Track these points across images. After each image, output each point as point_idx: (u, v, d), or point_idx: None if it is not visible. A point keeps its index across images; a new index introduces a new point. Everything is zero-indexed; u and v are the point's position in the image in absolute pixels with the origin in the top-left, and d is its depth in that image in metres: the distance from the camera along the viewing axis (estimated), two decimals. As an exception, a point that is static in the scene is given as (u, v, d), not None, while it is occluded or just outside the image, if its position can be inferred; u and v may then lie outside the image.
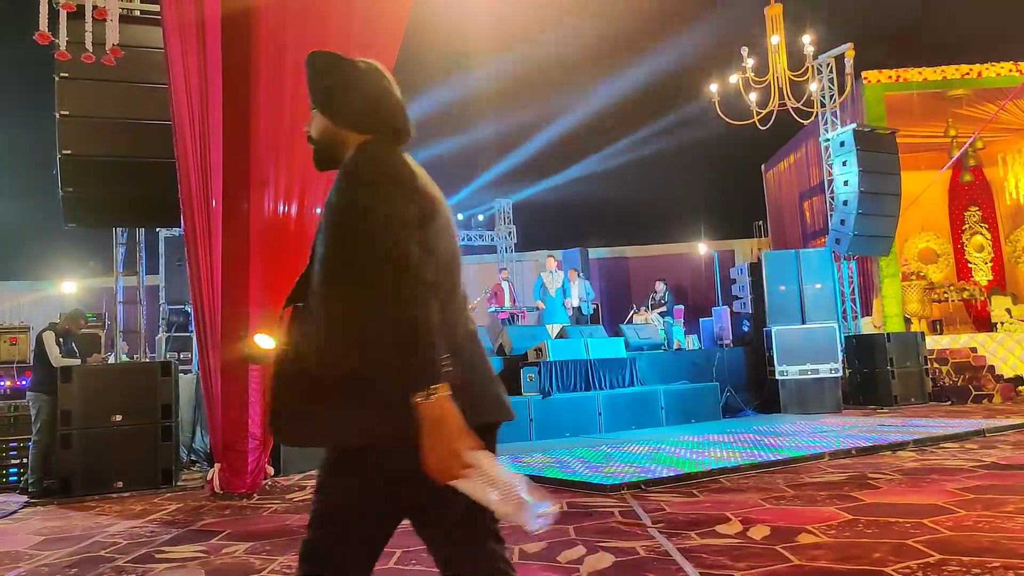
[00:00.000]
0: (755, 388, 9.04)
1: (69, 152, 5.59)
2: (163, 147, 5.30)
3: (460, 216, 15.26)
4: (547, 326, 9.32)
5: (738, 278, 9.84)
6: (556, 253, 12.27)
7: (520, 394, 7.43)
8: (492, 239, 15.79)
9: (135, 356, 6.73)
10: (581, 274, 11.29)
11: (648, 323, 10.34)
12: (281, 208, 4.83)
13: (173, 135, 4.84)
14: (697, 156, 14.68)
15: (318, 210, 4.94)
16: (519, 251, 16.02)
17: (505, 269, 13.23)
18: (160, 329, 8.53)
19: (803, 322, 8.72)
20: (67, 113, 5.58)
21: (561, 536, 3.27)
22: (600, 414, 7.38)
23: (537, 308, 10.61)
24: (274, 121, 4.78)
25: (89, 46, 5.23)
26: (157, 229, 8.94)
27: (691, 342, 11.35)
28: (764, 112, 9.89)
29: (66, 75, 5.55)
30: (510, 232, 15.83)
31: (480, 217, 15.68)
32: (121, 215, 5.91)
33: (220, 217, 4.72)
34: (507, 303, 11.73)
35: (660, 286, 11.03)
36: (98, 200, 5.70)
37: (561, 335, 8.77)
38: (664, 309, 10.75)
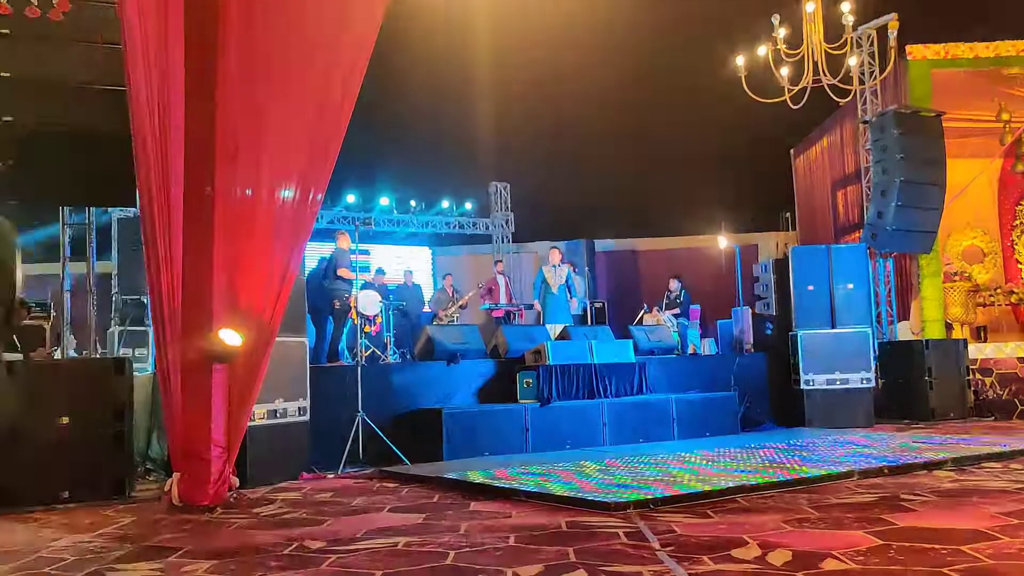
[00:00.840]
0: (778, 399, 9.09)
1: (10, 119, 5.54)
2: (118, 116, 5.26)
3: (446, 203, 15.24)
4: (548, 326, 9.35)
5: (761, 276, 9.88)
6: (560, 245, 12.28)
7: (516, 400, 7.45)
8: (487, 227, 15.81)
9: (84, 352, 6.72)
10: (576, 268, 11.33)
11: (660, 324, 10.38)
12: (249, 191, 4.83)
13: (128, 102, 4.83)
14: (719, 138, 14.72)
15: (286, 193, 4.94)
16: (517, 242, 16.04)
17: (501, 262, 13.27)
18: (113, 322, 8.53)
19: (833, 326, 8.76)
20: (7, 75, 5.53)
21: (560, 559, 3.30)
22: (605, 425, 7.41)
23: (535, 309, 10.63)
24: (243, 88, 4.76)
25: None
26: (110, 209, 8.93)
27: (707, 346, 11.39)
28: (796, 89, 9.90)
29: (6, 31, 5.50)
30: (507, 220, 15.84)
31: (469, 205, 15.67)
32: (69, 192, 5.88)
33: (181, 195, 4.72)
34: (503, 300, 11.75)
35: (674, 284, 11.07)
36: (43, 174, 5.68)
37: (563, 336, 8.80)
38: (678, 309, 10.80)
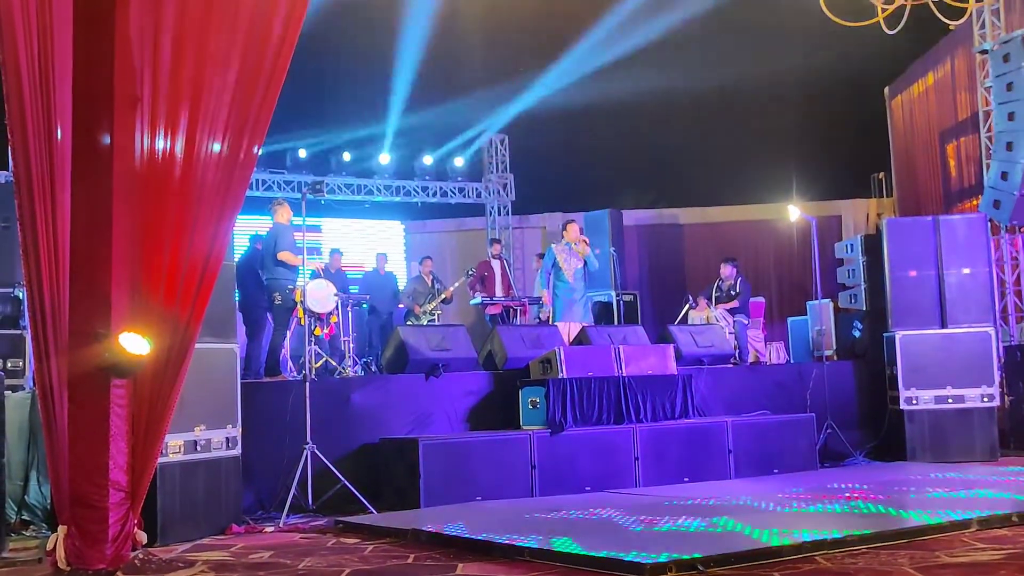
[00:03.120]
0: (869, 423, 9.08)
1: None
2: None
3: (429, 159, 15.20)
4: (560, 326, 9.33)
5: (846, 258, 9.85)
6: (576, 217, 12.27)
7: (518, 427, 7.43)
8: (478, 194, 15.78)
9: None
10: (599, 250, 11.28)
11: (711, 323, 10.36)
12: (161, 142, 4.79)
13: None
14: (789, 75, 14.64)
15: (210, 146, 4.90)
16: (519, 213, 16.01)
17: (498, 241, 13.28)
18: (-25, 323, 8.49)
19: (943, 325, 8.75)
20: None
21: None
22: (637, 459, 7.40)
23: (542, 302, 10.60)
24: (150, 8, 4.72)
25: None
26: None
27: (774, 353, 11.39)
28: (892, 7, 9.83)
29: None
30: (505, 184, 15.82)
31: (459, 161, 15.60)
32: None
33: (68, 154, 4.68)
34: (499, 291, 11.74)
35: (729, 269, 11.04)
36: None
37: (580, 340, 8.77)
38: (736, 303, 10.77)
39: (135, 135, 4.74)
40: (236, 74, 4.97)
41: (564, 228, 10.42)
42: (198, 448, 5.88)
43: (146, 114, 4.75)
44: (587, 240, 10.27)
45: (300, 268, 8.59)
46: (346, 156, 14.69)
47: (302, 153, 14.34)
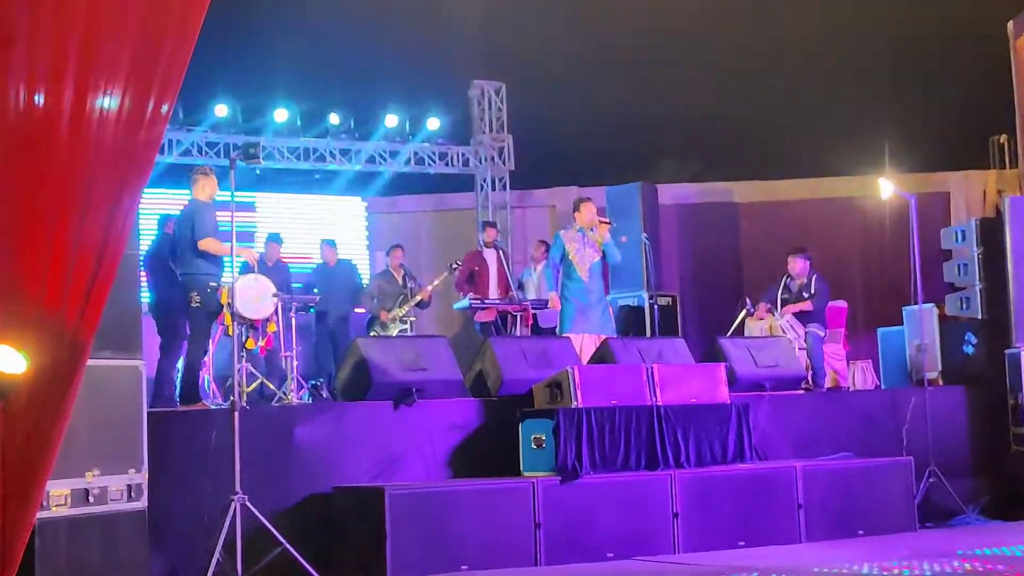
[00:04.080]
0: (985, 469, 9.11)
1: None
2: None
3: (393, 120, 15.13)
4: (573, 338, 9.34)
5: (956, 249, 9.84)
6: (598, 192, 12.26)
7: (517, 473, 7.45)
8: (465, 161, 15.77)
9: None
10: (626, 238, 11.26)
11: (775, 335, 10.35)
12: (40, 89, 4.79)
13: None
14: (881, 9, 14.65)
15: (106, 102, 4.89)
16: (519, 187, 15.99)
17: (492, 224, 13.24)
18: None
19: (1084, 339, 8.76)
20: None
21: None
22: (676, 516, 7.39)
23: (550, 306, 10.57)
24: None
25: None
26: None
27: (859, 374, 11.37)
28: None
29: None
30: (501, 149, 15.80)
31: (437, 122, 15.51)
32: None
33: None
34: (493, 291, 11.73)
35: (800, 263, 11.03)
36: None
37: (601, 357, 8.79)
38: (808, 306, 10.75)
39: (6, 84, 4.74)
40: (141, 7, 4.97)
41: (577, 208, 10.33)
42: (90, 499, 5.85)
43: (21, 57, 4.75)
44: (608, 222, 10.22)
45: (227, 260, 8.58)
46: (282, 113, 14.55)
47: (222, 110, 14.19)
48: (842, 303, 12.24)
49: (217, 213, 8.78)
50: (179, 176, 11.40)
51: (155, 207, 11.69)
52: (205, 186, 8.89)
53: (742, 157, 15.89)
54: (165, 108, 5.10)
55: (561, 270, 10.03)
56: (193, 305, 8.65)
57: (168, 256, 8.99)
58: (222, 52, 11.95)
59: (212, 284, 8.64)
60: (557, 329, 10.24)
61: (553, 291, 10.19)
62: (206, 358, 9.08)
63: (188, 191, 8.99)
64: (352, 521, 6.85)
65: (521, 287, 12.32)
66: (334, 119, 14.83)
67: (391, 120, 15.00)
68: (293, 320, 9.84)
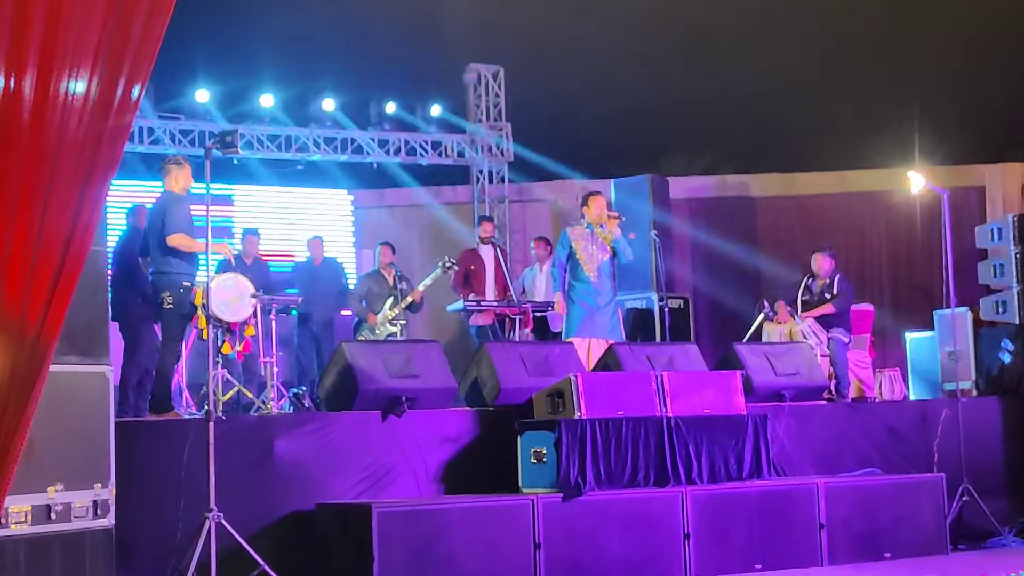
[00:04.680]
0: (1022, 487, 9.06)
1: None
2: None
3: (393, 106, 15.14)
4: (576, 342, 9.35)
5: (992, 248, 9.84)
6: (604, 185, 12.24)
7: (516, 489, 7.45)
8: (460, 152, 15.76)
9: None
10: (636, 235, 11.23)
11: (795, 340, 10.34)
12: (1, 76, 4.78)
13: None
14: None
15: (72, 86, 4.88)
16: (519, 179, 15.99)
17: (490, 219, 13.23)
18: None
19: None
20: None
21: None
22: (688, 537, 7.40)
23: (555, 308, 10.56)
24: None
25: None
26: None
27: (886, 384, 11.36)
28: None
29: None
30: (499, 143, 15.79)
31: (438, 108, 15.53)
32: None
33: None
34: (490, 292, 11.73)
35: (824, 261, 11.04)
36: None
37: (607, 363, 8.79)
38: (831, 308, 10.75)
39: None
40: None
41: (584, 202, 10.33)
42: (53, 516, 5.85)
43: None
44: (619, 217, 10.19)
45: (202, 257, 8.56)
46: (267, 100, 14.55)
47: (203, 96, 14.19)
48: (868, 306, 12.25)
49: (191, 207, 8.76)
50: (151, 166, 11.38)
51: (124, 200, 11.65)
52: (179, 177, 8.85)
53: (760, 147, 15.92)
54: (136, 92, 5.08)
55: (569, 270, 10.01)
56: (165, 306, 8.61)
57: (138, 253, 8.98)
58: (201, 32, 11.96)
59: (185, 283, 8.60)
60: (562, 333, 10.21)
61: (559, 292, 10.17)
62: (179, 364, 9.06)
63: (160, 182, 8.97)
64: (336, 541, 6.85)
65: (524, 289, 12.29)
66: (328, 105, 14.76)
67: (388, 107, 15.02)
68: (273, 323, 9.82)
